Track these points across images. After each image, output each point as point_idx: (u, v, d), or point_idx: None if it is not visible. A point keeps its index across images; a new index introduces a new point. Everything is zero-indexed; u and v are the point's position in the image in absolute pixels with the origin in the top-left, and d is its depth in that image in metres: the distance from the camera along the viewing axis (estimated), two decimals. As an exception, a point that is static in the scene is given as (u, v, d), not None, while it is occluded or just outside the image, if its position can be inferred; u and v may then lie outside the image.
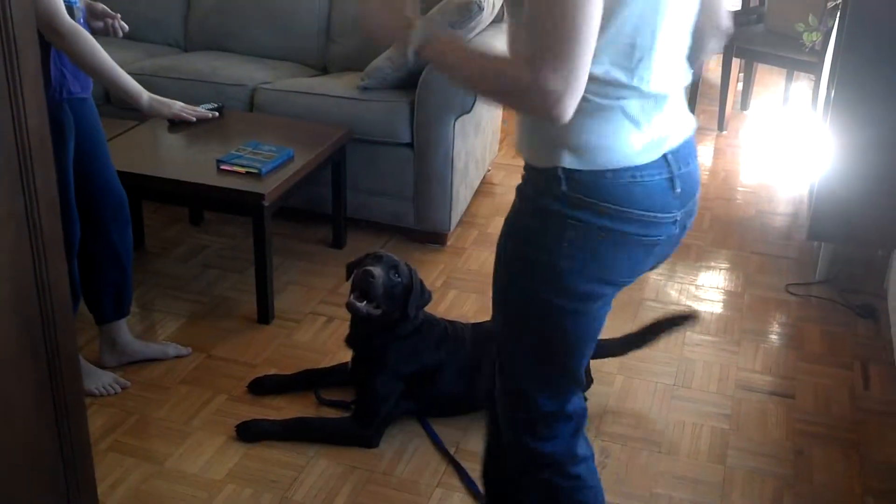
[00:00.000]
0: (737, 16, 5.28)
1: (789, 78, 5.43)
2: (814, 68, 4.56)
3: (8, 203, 1.31)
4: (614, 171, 1.47)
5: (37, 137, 1.31)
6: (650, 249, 1.55)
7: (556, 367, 1.65)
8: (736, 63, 4.96)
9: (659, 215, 1.52)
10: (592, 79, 1.38)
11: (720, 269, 3.57)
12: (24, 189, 1.31)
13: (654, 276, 3.47)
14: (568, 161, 1.47)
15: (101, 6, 2.67)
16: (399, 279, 2.54)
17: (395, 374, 2.56)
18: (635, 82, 1.45)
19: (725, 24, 1.68)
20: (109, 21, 2.65)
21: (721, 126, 5.03)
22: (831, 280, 3.45)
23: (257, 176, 3.00)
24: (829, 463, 2.52)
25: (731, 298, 3.36)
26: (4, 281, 1.35)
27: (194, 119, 3.21)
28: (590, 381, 2.72)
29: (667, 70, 1.49)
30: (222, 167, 3.04)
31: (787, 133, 5.07)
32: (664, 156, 1.51)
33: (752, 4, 5.47)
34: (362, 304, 2.51)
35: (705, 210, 4.06)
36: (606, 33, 1.39)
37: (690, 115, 1.62)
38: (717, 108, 5.08)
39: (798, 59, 4.61)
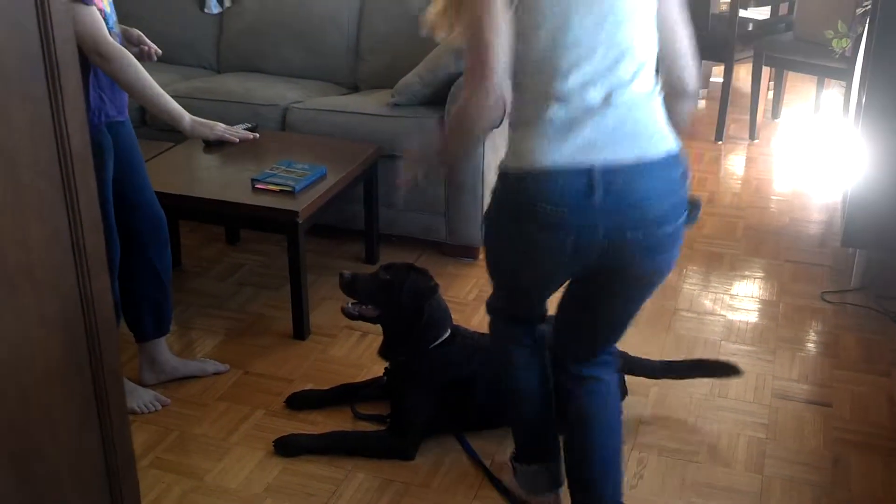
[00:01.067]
0: (765, 24, 5.28)
1: (820, 85, 5.40)
2: (844, 75, 4.53)
3: (53, 222, 1.35)
4: (534, 170, 1.82)
5: (79, 158, 1.35)
6: (564, 237, 1.85)
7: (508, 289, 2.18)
8: (766, 72, 4.95)
9: (567, 215, 1.81)
10: (518, 90, 1.84)
11: (754, 278, 3.56)
12: (68, 208, 1.35)
13: (688, 286, 3.47)
14: (505, 160, 1.91)
15: (137, 32, 2.73)
16: (387, 277, 2.58)
17: (428, 387, 2.58)
18: (556, 95, 1.80)
19: (692, 87, 1.95)
20: (145, 49, 2.71)
21: (752, 135, 5.02)
22: (867, 287, 3.42)
23: (291, 194, 3.04)
24: (867, 471, 2.51)
25: (766, 307, 3.35)
26: (51, 298, 1.39)
27: (237, 140, 3.22)
28: (624, 392, 2.71)
29: (597, 86, 1.80)
30: (257, 186, 3.09)
31: (819, 140, 5.04)
32: (590, 166, 1.79)
33: (780, 13, 5.46)
34: (349, 305, 2.63)
35: (738, 219, 4.05)
36: (527, 51, 1.80)
37: (659, 137, 1.85)
38: (748, 118, 5.07)
39: (828, 66, 4.59)
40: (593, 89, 1.79)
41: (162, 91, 2.64)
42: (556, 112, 1.80)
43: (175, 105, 2.73)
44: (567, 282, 2.07)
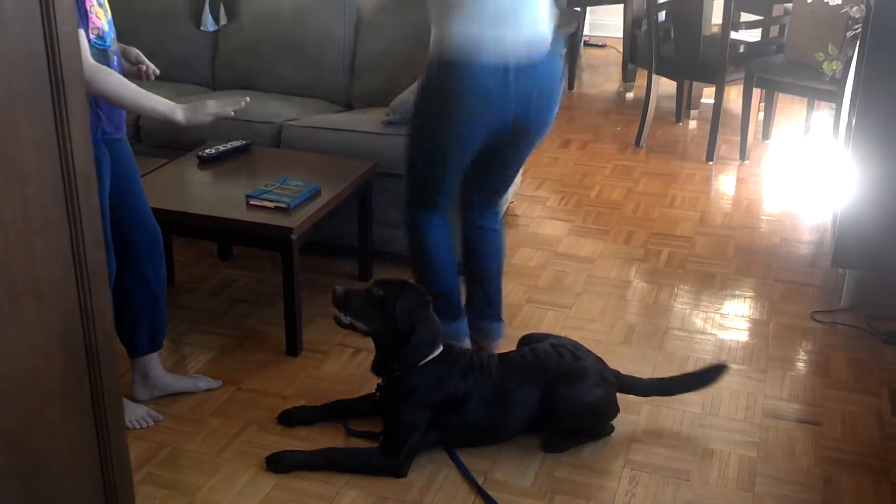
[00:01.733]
0: (756, 46, 5.33)
1: (810, 107, 5.45)
2: (834, 97, 4.58)
3: (55, 238, 1.36)
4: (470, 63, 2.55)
5: (83, 175, 1.37)
6: (487, 110, 2.64)
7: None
8: (757, 93, 4.99)
9: (491, 98, 2.60)
10: None
11: (745, 298, 3.59)
12: (71, 224, 1.36)
13: (680, 305, 3.49)
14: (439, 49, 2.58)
15: (135, 51, 2.74)
16: (381, 293, 2.59)
17: (421, 404, 2.59)
18: None
19: None
20: (143, 67, 2.72)
21: (743, 156, 5.06)
22: (857, 307, 3.45)
23: (285, 210, 3.05)
24: (858, 490, 2.52)
25: (757, 327, 3.37)
26: (53, 312, 1.40)
27: (232, 114, 2.85)
28: (616, 409, 2.73)
29: None
30: (251, 202, 3.10)
31: (810, 162, 5.08)
32: (506, 65, 2.57)
33: (771, 35, 5.51)
34: (342, 315, 2.63)
35: (729, 238, 4.08)
36: None
37: (541, 38, 2.65)
38: (738, 138, 5.11)
39: (819, 88, 4.64)
40: None
41: (148, 93, 2.57)
42: (486, 9, 2.52)
43: (164, 103, 2.63)
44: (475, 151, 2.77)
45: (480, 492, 2.48)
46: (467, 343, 2.96)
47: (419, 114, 2.74)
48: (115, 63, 2.57)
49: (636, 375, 2.81)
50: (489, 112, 2.62)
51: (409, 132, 2.82)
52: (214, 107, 2.78)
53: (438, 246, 2.89)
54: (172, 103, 2.65)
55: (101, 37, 2.48)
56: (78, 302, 1.43)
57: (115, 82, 2.45)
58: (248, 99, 2.90)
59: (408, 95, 3.59)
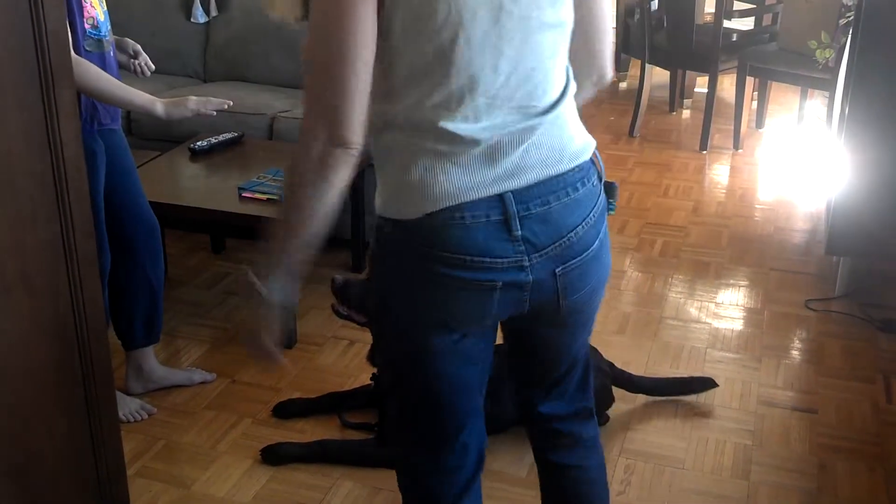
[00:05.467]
0: (749, 35, 5.32)
1: (803, 95, 5.44)
2: (827, 85, 4.57)
3: (45, 229, 1.35)
4: (430, 213, 1.39)
5: (73, 167, 1.36)
6: (487, 294, 1.44)
7: (420, 415, 1.63)
8: (750, 82, 4.98)
9: (486, 260, 1.40)
10: (392, 124, 1.40)
11: (739, 286, 3.58)
12: (61, 216, 1.35)
13: (674, 295, 3.49)
14: (386, 208, 1.44)
15: (132, 43, 2.73)
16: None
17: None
18: (440, 122, 1.37)
19: (607, 76, 1.62)
20: (135, 61, 2.70)
21: (737, 145, 5.05)
22: (851, 295, 3.45)
23: (278, 202, 3.04)
24: (853, 476, 2.52)
25: (751, 315, 3.37)
26: (44, 304, 1.39)
27: (214, 113, 2.92)
28: (611, 399, 2.73)
29: (500, 108, 1.40)
30: (244, 195, 3.09)
31: (803, 150, 5.08)
32: (500, 195, 1.40)
33: (764, 24, 5.50)
34: (340, 306, 2.60)
35: (723, 228, 4.08)
36: (397, 74, 1.37)
37: (575, 146, 1.49)
38: (732, 127, 5.10)
39: (812, 76, 4.63)
40: (501, 111, 1.42)
41: (127, 87, 2.55)
42: (446, 143, 1.40)
43: (144, 97, 2.63)
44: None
45: (476, 482, 2.46)
46: None
47: (386, 300, 1.54)
48: (111, 53, 2.55)
49: (630, 366, 2.81)
50: (493, 292, 1.45)
51: (380, 343, 1.76)
52: (196, 103, 2.79)
53: None
54: (152, 97, 2.65)
55: (95, 26, 2.46)
56: (69, 294, 1.42)
57: (94, 75, 2.43)
58: (230, 102, 2.90)
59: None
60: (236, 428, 2.71)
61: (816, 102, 5.62)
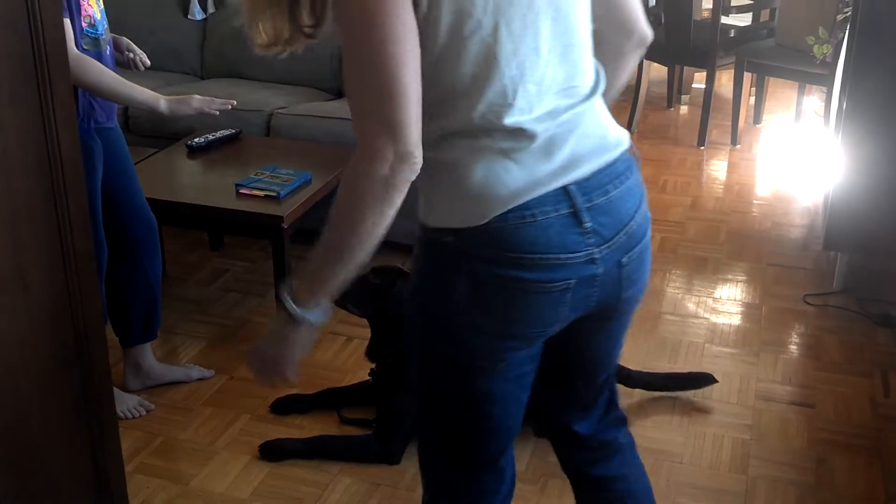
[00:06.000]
0: (747, 31, 5.32)
1: (801, 91, 5.44)
2: (825, 81, 4.57)
3: (42, 226, 1.35)
4: (498, 216, 1.32)
5: (69, 162, 1.36)
6: (560, 296, 1.39)
7: (465, 436, 1.55)
8: (748, 77, 4.98)
9: (561, 256, 1.35)
10: (448, 135, 1.34)
11: (737, 282, 3.59)
12: (58, 212, 1.35)
13: (672, 290, 3.49)
14: (445, 218, 1.36)
15: (126, 40, 2.72)
16: (377, 281, 2.58)
17: (413, 391, 2.58)
18: (502, 119, 1.32)
19: (648, 33, 1.57)
20: (130, 55, 2.70)
21: (734, 140, 5.05)
22: (849, 290, 3.45)
23: (276, 199, 3.04)
24: (851, 471, 2.53)
25: (749, 310, 3.37)
26: (39, 301, 1.39)
27: (217, 113, 2.93)
28: (610, 394, 2.73)
29: (547, 98, 1.36)
30: (241, 191, 3.08)
31: (801, 145, 5.08)
32: (564, 188, 1.35)
33: (762, 19, 5.50)
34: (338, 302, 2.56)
35: (721, 223, 4.08)
36: (442, 84, 1.31)
37: (615, 134, 1.46)
38: (730, 123, 5.10)
39: (809, 72, 4.63)
40: (547, 103, 1.37)
41: (130, 83, 2.55)
42: (505, 140, 1.35)
43: (146, 93, 2.63)
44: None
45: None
46: None
47: (437, 324, 1.45)
48: (108, 52, 2.55)
49: (627, 362, 2.81)
50: (566, 293, 1.40)
51: (421, 361, 1.55)
52: (199, 102, 2.80)
53: None
54: (155, 93, 2.65)
55: (92, 25, 2.46)
56: (66, 290, 1.42)
57: (97, 71, 2.43)
58: (234, 103, 2.91)
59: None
60: (234, 424, 2.71)
61: (814, 98, 5.62)
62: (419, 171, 1.31)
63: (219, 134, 3.53)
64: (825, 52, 4.40)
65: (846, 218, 3.31)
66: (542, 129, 1.35)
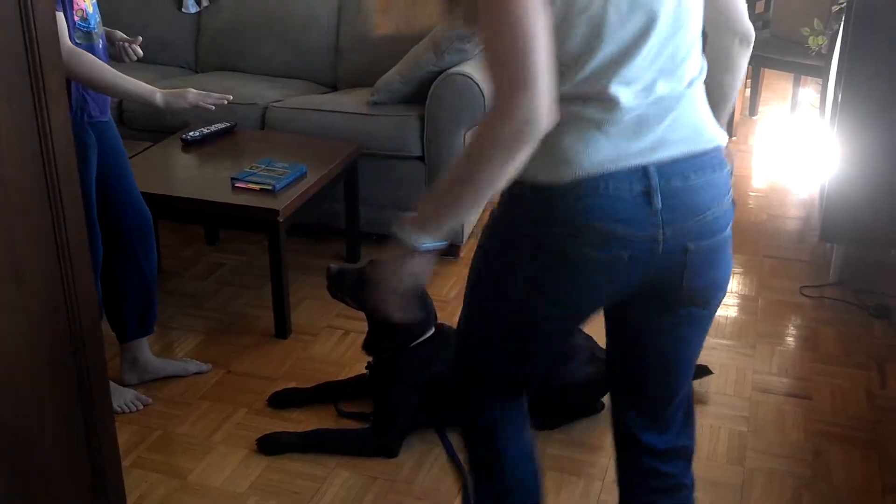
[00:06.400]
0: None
1: (797, 83, 5.44)
2: (820, 72, 4.58)
3: (36, 220, 1.34)
4: (573, 181, 1.40)
5: (62, 156, 1.35)
6: (616, 268, 1.44)
7: (511, 359, 1.69)
8: (743, 69, 4.98)
9: (625, 231, 1.41)
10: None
11: (734, 274, 3.56)
12: (52, 206, 1.34)
13: (668, 282, 3.49)
14: (527, 172, 1.39)
15: (119, 34, 2.71)
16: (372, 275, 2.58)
17: (409, 384, 2.59)
18: (599, 90, 1.39)
19: (751, 30, 1.61)
20: (122, 44, 2.68)
21: (730, 132, 5.05)
22: (845, 281, 3.46)
23: (271, 192, 3.03)
24: (847, 462, 2.53)
25: (746, 302, 3.38)
26: (34, 296, 1.38)
27: (213, 108, 2.90)
28: (605, 388, 2.73)
29: (647, 77, 1.41)
30: (237, 185, 3.08)
31: (796, 137, 5.08)
32: (644, 167, 1.41)
33: (757, 11, 5.49)
34: (335, 295, 2.63)
35: (717, 215, 4.08)
36: (556, 49, 1.33)
37: (712, 130, 1.49)
38: (725, 115, 5.09)
39: (804, 63, 4.64)
40: (646, 82, 1.43)
41: (125, 77, 2.53)
42: (597, 110, 1.41)
43: (142, 86, 2.61)
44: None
45: (465, 479, 2.46)
46: None
47: (498, 266, 1.57)
48: (101, 46, 2.54)
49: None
50: (618, 265, 1.45)
51: (476, 290, 1.66)
52: (195, 96, 2.79)
53: (516, 463, 1.82)
54: (151, 87, 2.64)
55: (84, 19, 2.45)
56: (61, 284, 1.41)
57: (91, 65, 2.42)
58: (230, 97, 2.90)
59: (393, 75, 3.58)
60: (232, 418, 2.71)
61: (809, 89, 5.62)
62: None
63: (213, 127, 3.53)
64: (820, 43, 4.40)
65: (842, 209, 3.31)
66: (635, 105, 1.40)
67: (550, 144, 1.36)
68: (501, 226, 1.53)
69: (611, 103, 1.39)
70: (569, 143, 1.39)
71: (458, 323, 1.73)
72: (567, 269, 1.45)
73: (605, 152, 1.39)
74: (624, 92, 1.39)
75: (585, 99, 1.39)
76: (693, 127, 1.46)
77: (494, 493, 1.83)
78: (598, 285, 1.48)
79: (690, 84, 1.46)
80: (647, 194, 1.41)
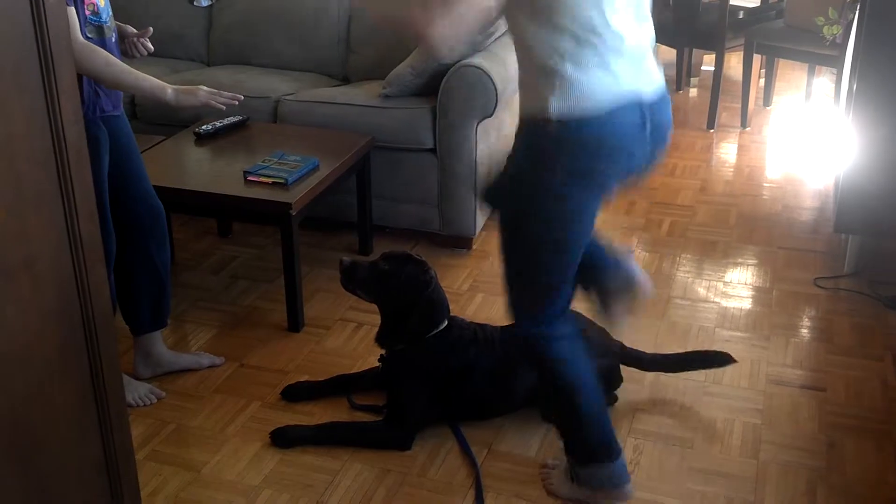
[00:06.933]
0: (756, 12, 5.28)
1: (811, 72, 5.41)
2: (835, 62, 4.54)
3: (49, 213, 1.34)
4: (592, 116, 1.86)
5: (74, 149, 1.35)
6: (623, 174, 2.02)
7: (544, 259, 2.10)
8: (757, 59, 4.95)
9: (632, 150, 1.96)
10: (567, 29, 1.81)
11: (748, 265, 3.57)
12: (64, 199, 1.35)
13: (682, 274, 3.48)
14: (552, 109, 1.85)
15: (131, 29, 2.71)
16: (386, 267, 2.58)
17: (423, 377, 2.58)
18: (607, 21, 1.83)
19: None
20: (131, 40, 2.68)
21: (744, 123, 5.03)
22: (859, 272, 3.44)
23: (284, 186, 3.03)
24: (862, 454, 2.52)
25: (760, 294, 3.36)
26: (47, 289, 1.38)
27: (223, 108, 2.89)
28: (619, 379, 2.72)
29: (630, 20, 1.90)
30: (249, 178, 3.08)
31: (811, 128, 5.05)
32: (640, 104, 1.92)
33: (771, 1, 5.46)
34: (345, 259, 2.66)
35: (731, 206, 4.06)
36: None
37: (658, 70, 2.02)
38: (739, 106, 5.07)
39: (819, 53, 4.60)
40: (631, 24, 1.92)
41: (137, 72, 2.53)
42: (606, 50, 1.87)
43: (153, 81, 2.61)
44: None
45: (478, 474, 2.45)
46: (628, 491, 2.32)
47: (536, 194, 2.00)
48: (112, 40, 2.54)
49: (639, 346, 2.80)
50: (625, 171, 2.02)
51: (517, 224, 2.11)
52: (207, 94, 2.79)
53: (577, 365, 2.25)
54: (162, 82, 2.64)
55: (96, 13, 2.45)
56: (74, 278, 1.41)
57: (102, 60, 2.42)
58: (241, 97, 2.89)
59: (404, 68, 3.57)
60: (245, 411, 2.71)
61: (824, 79, 5.58)
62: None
63: (226, 121, 3.53)
64: (835, 32, 4.36)
65: (857, 200, 3.29)
66: (634, 38, 1.90)
67: (574, 80, 1.84)
68: (534, 153, 1.96)
69: (617, 35, 1.86)
70: (587, 84, 1.85)
71: (508, 267, 2.17)
72: (598, 173, 1.96)
73: (613, 92, 1.88)
74: (626, 26, 1.87)
75: (596, 31, 1.83)
76: (654, 64, 2.01)
77: (563, 394, 2.26)
78: (613, 184, 2.02)
79: (649, 29, 1.99)
80: (643, 125, 1.95)
